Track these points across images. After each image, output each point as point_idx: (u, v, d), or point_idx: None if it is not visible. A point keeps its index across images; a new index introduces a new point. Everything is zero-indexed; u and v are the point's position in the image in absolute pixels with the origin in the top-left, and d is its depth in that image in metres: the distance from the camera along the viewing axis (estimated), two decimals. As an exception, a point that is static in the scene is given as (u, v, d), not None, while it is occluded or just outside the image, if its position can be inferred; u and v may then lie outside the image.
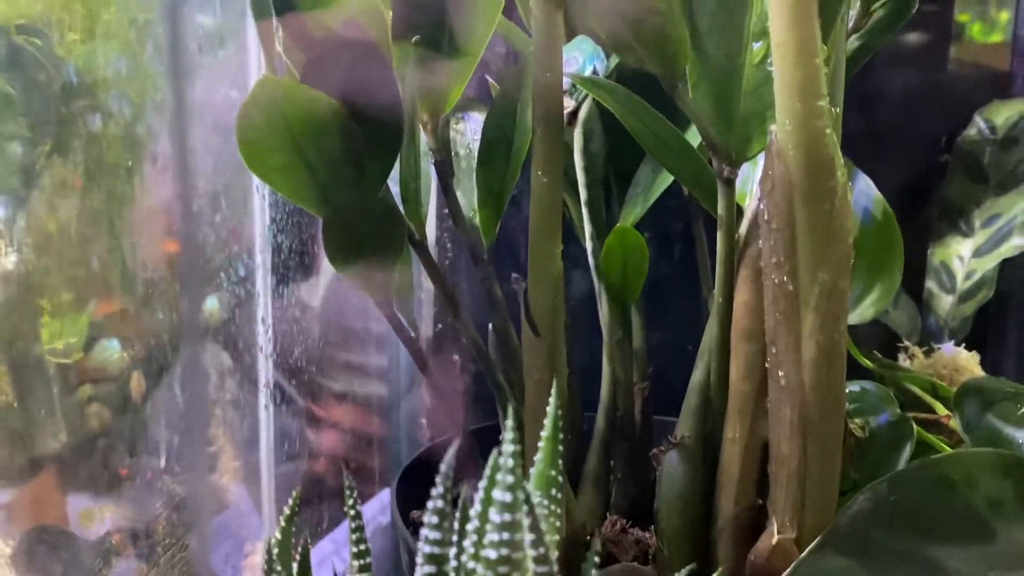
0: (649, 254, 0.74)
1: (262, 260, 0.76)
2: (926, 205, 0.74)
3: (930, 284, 0.71)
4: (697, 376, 0.47)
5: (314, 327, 0.85)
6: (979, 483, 0.41)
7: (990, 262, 0.67)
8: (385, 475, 0.96)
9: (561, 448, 0.34)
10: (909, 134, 0.76)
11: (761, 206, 0.39)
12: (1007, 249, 0.67)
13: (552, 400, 0.33)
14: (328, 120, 0.37)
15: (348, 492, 0.34)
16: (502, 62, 0.62)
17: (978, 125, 0.72)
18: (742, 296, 0.43)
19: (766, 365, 0.41)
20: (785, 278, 0.39)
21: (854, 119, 0.74)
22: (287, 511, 0.34)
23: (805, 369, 0.39)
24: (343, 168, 0.40)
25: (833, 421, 0.40)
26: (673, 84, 0.39)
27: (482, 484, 0.29)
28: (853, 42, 0.48)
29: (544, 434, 0.33)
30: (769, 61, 0.36)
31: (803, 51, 0.35)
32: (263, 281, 0.76)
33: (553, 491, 0.32)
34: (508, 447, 0.27)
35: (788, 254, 0.38)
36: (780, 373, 0.40)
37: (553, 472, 0.32)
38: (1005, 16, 0.79)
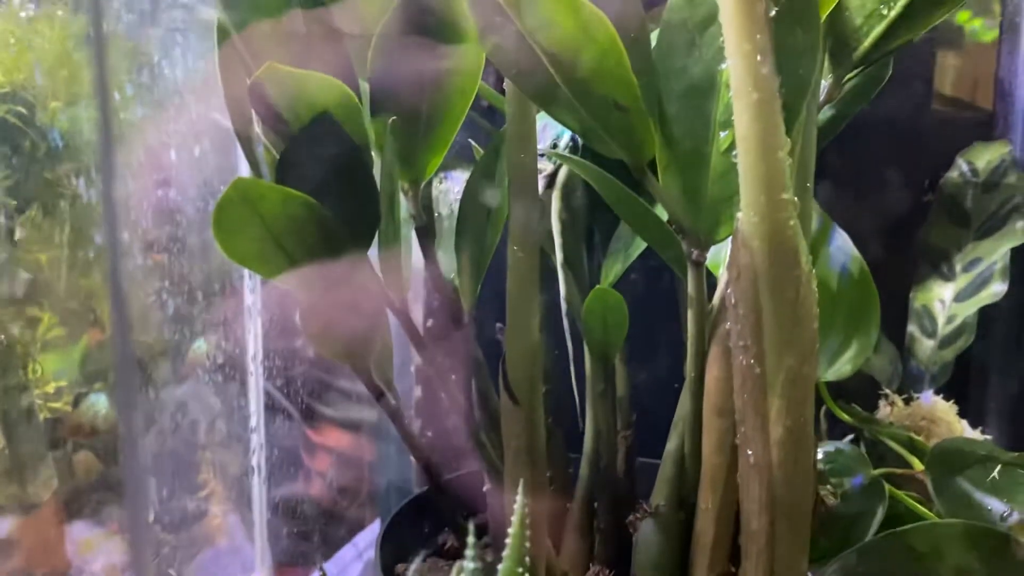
0: (634, 289, 0.75)
1: (250, 291, 0.76)
2: (910, 246, 0.75)
3: (912, 328, 0.71)
4: (672, 445, 0.47)
5: (305, 353, 0.86)
6: (946, 554, 0.42)
7: (971, 307, 0.68)
8: (376, 503, 0.97)
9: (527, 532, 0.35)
10: (893, 175, 0.76)
11: (728, 291, 0.39)
12: (987, 295, 0.67)
13: (519, 498, 0.33)
14: (303, 214, 0.38)
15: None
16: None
17: (960, 168, 0.73)
18: (713, 373, 0.43)
19: (736, 441, 0.42)
20: (752, 361, 0.39)
21: (838, 159, 0.74)
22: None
23: (773, 448, 0.40)
24: (321, 253, 0.41)
25: (801, 498, 0.41)
26: (642, 171, 0.40)
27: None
28: (826, 112, 0.48)
29: (511, 531, 0.34)
30: (735, 152, 0.37)
31: (766, 146, 0.36)
32: (252, 312, 0.77)
33: (520, 588, 0.33)
34: (469, 564, 0.28)
35: (755, 338, 0.39)
36: (749, 451, 0.41)
37: (520, 569, 0.33)
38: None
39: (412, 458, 0.87)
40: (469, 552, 0.27)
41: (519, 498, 0.34)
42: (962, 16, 0.81)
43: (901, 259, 0.75)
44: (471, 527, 0.29)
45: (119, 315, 0.51)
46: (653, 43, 0.41)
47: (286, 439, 0.84)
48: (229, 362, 0.75)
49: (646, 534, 0.48)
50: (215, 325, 0.72)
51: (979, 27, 0.81)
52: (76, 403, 0.61)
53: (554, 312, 0.71)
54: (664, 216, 0.46)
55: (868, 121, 0.74)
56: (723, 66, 0.39)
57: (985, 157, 0.72)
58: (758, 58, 0.35)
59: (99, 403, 0.60)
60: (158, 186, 0.55)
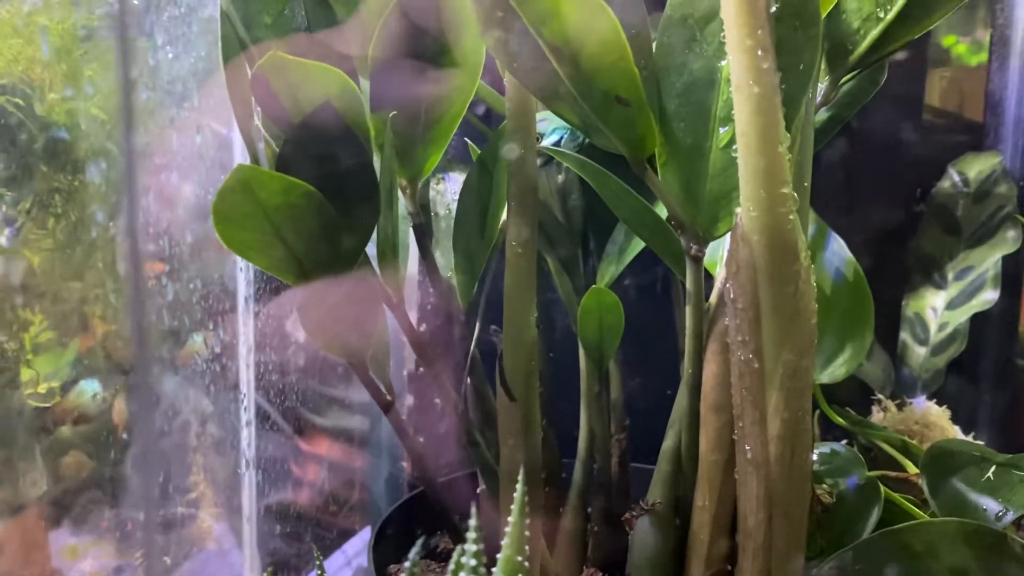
0: (628, 295, 0.74)
1: (244, 293, 0.76)
2: (902, 255, 0.75)
3: (904, 336, 0.72)
4: (668, 443, 0.47)
5: (297, 360, 0.86)
6: (942, 552, 0.42)
7: (962, 315, 0.68)
8: (366, 511, 0.96)
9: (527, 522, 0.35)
10: (885, 185, 0.77)
11: (727, 286, 0.40)
12: (978, 303, 0.68)
13: (519, 486, 0.33)
14: (303, 204, 0.38)
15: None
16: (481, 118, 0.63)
17: (952, 178, 0.73)
18: (711, 369, 0.43)
19: (734, 437, 0.42)
20: (751, 356, 0.39)
21: (831, 169, 0.75)
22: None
23: (771, 444, 0.40)
24: (320, 244, 0.41)
25: (799, 494, 0.41)
26: (641, 166, 0.40)
27: (446, 579, 0.29)
28: (823, 114, 0.49)
29: (511, 519, 0.33)
30: (734, 147, 0.37)
31: (767, 140, 0.36)
32: (245, 314, 0.77)
33: (519, 576, 0.33)
34: (471, 547, 0.28)
35: (753, 333, 0.39)
36: (747, 447, 0.41)
37: (519, 558, 0.33)
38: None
39: (404, 464, 0.87)
40: (471, 535, 0.27)
41: (519, 486, 0.34)
42: (948, 40, 0.82)
43: (893, 268, 0.75)
44: (471, 521, 0.29)
45: (137, 310, 0.50)
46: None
47: (276, 445, 0.84)
48: (221, 363, 0.74)
49: (642, 532, 0.47)
50: (208, 324, 0.72)
51: (964, 52, 0.82)
52: (65, 389, 0.60)
53: (546, 316, 0.71)
54: (662, 214, 0.46)
55: (861, 132, 0.75)
56: (723, 62, 0.40)
57: (976, 167, 0.73)
58: (759, 53, 0.35)
59: (91, 388, 0.60)
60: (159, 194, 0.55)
